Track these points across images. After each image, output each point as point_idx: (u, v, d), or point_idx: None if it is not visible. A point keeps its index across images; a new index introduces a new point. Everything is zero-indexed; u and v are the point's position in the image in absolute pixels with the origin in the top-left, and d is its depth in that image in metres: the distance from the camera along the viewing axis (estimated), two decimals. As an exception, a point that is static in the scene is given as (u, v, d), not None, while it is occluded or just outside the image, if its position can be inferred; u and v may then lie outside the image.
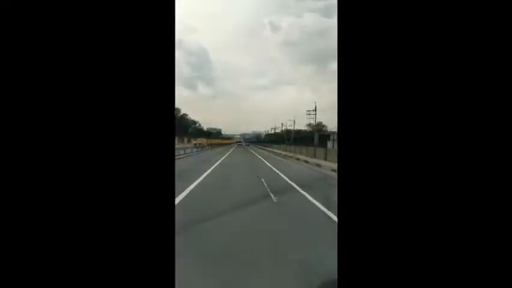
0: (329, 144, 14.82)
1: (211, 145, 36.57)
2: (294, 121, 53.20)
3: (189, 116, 61.46)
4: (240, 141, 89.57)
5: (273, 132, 66.99)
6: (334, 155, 12.69)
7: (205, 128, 72.76)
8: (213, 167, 9.85)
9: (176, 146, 14.29)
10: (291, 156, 18.33)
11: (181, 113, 56.17)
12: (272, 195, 4.89)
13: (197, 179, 6.65)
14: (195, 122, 65.54)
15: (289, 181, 6.93)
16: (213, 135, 77.75)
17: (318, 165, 11.54)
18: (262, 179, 6.87)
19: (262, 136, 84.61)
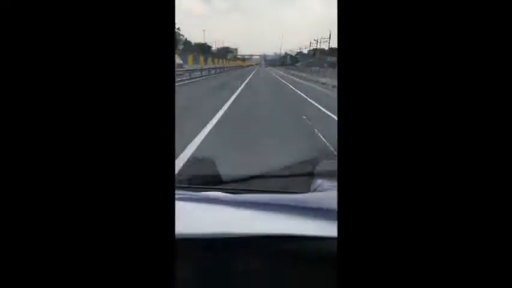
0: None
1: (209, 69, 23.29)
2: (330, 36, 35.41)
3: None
4: (260, 63, 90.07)
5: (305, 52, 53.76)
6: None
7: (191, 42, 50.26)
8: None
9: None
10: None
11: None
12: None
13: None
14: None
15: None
16: (217, 54, 58.42)
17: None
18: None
19: (295, 56, 79.84)
